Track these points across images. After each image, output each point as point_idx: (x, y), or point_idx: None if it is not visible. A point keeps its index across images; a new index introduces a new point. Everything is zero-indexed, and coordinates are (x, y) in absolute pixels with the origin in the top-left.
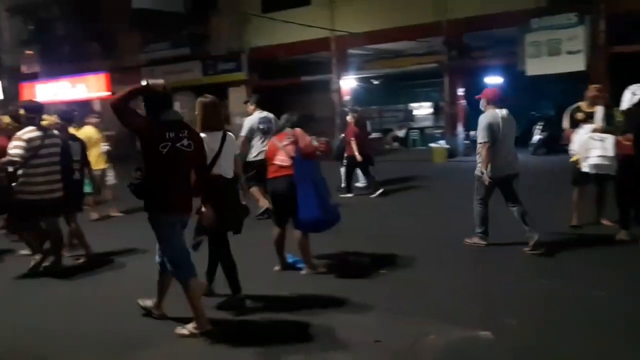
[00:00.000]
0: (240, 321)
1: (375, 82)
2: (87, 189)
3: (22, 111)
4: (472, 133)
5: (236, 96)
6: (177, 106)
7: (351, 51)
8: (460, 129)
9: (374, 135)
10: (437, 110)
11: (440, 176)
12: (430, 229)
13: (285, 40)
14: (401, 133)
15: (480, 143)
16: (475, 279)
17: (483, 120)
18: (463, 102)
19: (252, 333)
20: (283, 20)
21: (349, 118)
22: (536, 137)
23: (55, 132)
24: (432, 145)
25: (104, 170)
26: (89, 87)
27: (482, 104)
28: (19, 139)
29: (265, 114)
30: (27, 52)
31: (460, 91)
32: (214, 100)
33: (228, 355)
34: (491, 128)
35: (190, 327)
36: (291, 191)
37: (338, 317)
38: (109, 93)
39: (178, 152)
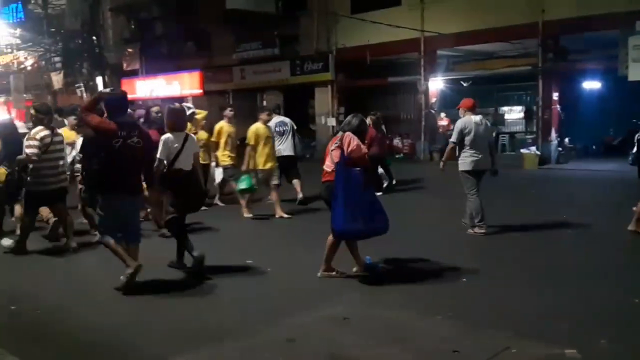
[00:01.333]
0: (330, 338)
1: (464, 84)
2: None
3: (32, 112)
4: (566, 140)
5: (322, 96)
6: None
7: (440, 52)
8: (553, 135)
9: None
10: (529, 115)
11: (529, 184)
12: (509, 237)
13: (373, 41)
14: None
15: (451, 142)
16: (559, 293)
17: (458, 124)
18: (557, 107)
19: (332, 339)
20: (372, 21)
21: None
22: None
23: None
24: (523, 151)
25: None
26: (183, 85)
27: (461, 112)
28: (33, 138)
29: (281, 118)
30: (128, 49)
31: (555, 96)
32: (179, 108)
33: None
34: (462, 132)
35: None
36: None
37: (414, 324)
38: (201, 91)
39: (128, 147)
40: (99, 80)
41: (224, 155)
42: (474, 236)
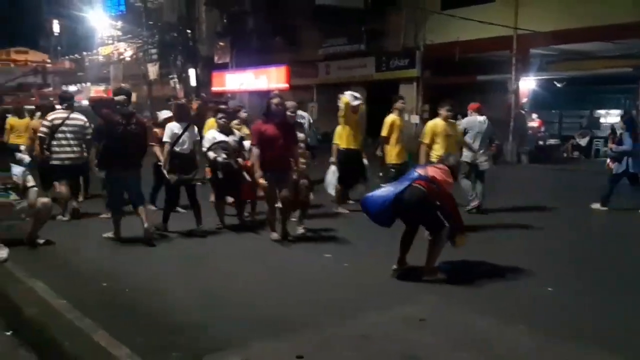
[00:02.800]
0: (404, 338)
1: (558, 85)
2: None
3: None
4: None
5: (406, 93)
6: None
7: (534, 51)
8: None
9: (551, 141)
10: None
11: (622, 191)
12: (598, 245)
13: (463, 38)
14: (583, 141)
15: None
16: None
17: (463, 122)
18: None
19: (406, 339)
20: (462, 17)
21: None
22: None
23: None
24: None
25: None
26: (270, 79)
27: (469, 112)
28: (45, 119)
29: (300, 112)
30: (220, 43)
31: None
32: (182, 103)
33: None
34: (465, 129)
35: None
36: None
37: (493, 330)
38: (287, 85)
39: (127, 133)
40: (192, 72)
41: (393, 153)
42: (561, 244)
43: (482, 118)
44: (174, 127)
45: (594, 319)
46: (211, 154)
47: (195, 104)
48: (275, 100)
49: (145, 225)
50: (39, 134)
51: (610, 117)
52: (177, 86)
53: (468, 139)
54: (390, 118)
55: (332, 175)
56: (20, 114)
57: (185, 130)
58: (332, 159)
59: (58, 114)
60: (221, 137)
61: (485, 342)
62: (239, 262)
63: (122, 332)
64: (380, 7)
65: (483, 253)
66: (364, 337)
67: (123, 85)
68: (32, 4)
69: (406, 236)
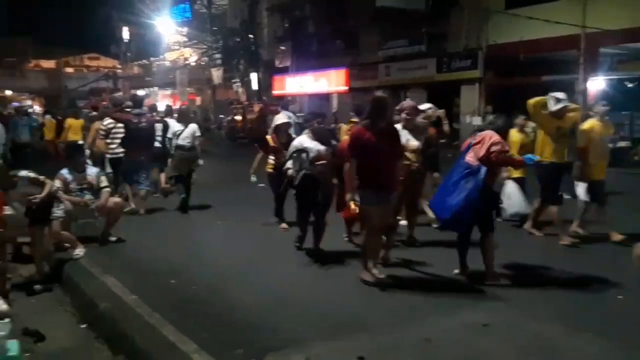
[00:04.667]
0: (468, 343)
1: (629, 85)
2: None
3: (104, 102)
4: None
5: (468, 94)
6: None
7: (603, 50)
8: None
9: (621, 144)
10: None
11: None
12: None
13: (527, 37)
14: None
15: None
16: None
17: None
18: None
19: (470, 344)
20: (527, 16)
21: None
22: None
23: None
24: None
25: None
26: (330, 82)
27: None
28: (102, 124)
29: (289, 113)
30: (281, 47)
31: None
32: (186, 108)
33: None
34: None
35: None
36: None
37: (560, 337)
38: (347, 88)
39: (138, 128)
40: (254, 76)
41: (594, 167)
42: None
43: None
44: (175, 126)
45: None
46: (288, 163)
47: (257, 107)
48: (379, 98)
49: (132, 205)
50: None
51: None
52: (240, 90)
53: None
54: (589, 124)
55: (514, 189)
56: (76, 116)
57: (185, 128)
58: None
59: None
60: (310, 144)
61: (552, 349)
62: (304, 266)
63: (189, 327)
64: (442, 8)
65: (547, 258)
66: (427, 341)
67: (136, 92)
68: (104, 13)
69: (465, 239)
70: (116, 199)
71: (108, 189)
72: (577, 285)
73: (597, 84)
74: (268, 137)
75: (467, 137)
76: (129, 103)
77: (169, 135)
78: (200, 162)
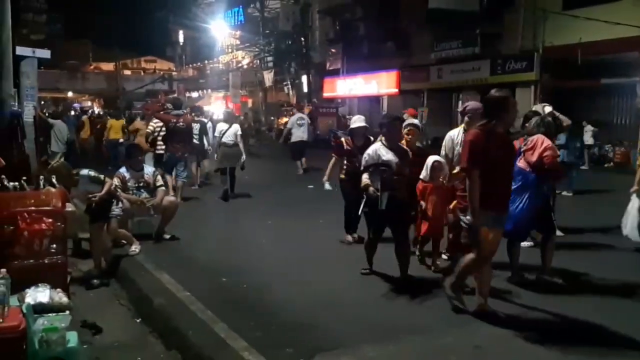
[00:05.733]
0: (519, 350)
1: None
2: None
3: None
4: None
5: (523, 97)
6: (460, 105)
7: None
8: None
9: None
10: None
11: None
12: None
13: (585, 39)
14: None
15: None
16: None
17: None
18: None
19: (520, 350)
20: (586, 17)
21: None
22: None
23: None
24: None
25: None
26: (380, 84)
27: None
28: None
29: (301, 114)
30: (332, 50)
31: None
32: (230, 110)
33: None
34: None
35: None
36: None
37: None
38: (397, 90)
39: (177, 128)
40: (304, 78)
41: None
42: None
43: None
44: (220, 126)
45: None
46: (365, 178)
47: (307, 109)
48: (503, 97)
49: (172, 197)
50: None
51: None
52: (290, 92)
53: None
54: None
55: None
56: (117, 117)
57: (228, 128)
58: (635, 187)
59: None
60: (388, 155)
61: None
62: (354, 269)
63: (240, 325)
64: (496, 9)
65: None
66: (476, 347)
67: (178, 96)
68: (161, 17)
69: (517, 246)
70: (171, 198)
71: (164, 188)
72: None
73: None
74: (342, 139)
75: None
76: (169, 105)
77: (216, 134)
78: (243, 157)
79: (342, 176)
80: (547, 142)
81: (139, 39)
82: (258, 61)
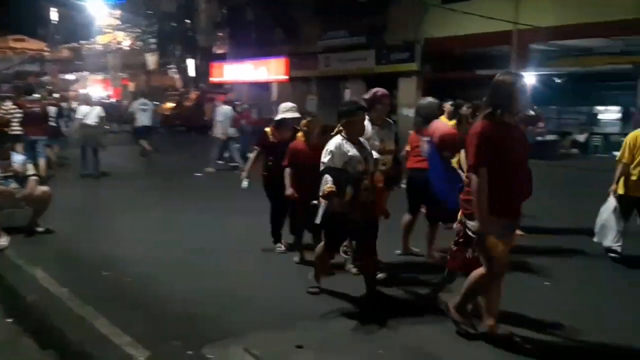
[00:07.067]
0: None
1: (557, 81)
2: None
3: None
4: None
5: (406, 87)
6: (347, 94)
7: (533, 46)
8: None
9: (549, 137)
10: (627, 116)
11: None
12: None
13: (462, 32)
14: (581, 138)
15: None
16: None
17: None
18: None
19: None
20: (463, 11)
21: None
22: None
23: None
24: (617, 153)
25: None
26: (269, 71)
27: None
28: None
29: (144, 100)
30: (219, 34)
31: None
32: (87, 94)
33: None
34: None
35: None
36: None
37: None
38: (286, 77)
39: (32, 112)
40: (190, 62)
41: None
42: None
43: None
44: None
45: None
46: (329, 182)
47: (193, 95)
48: (513, 80)
49: (45, 188)
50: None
51: (609, 113)
52: (176, 76)
53: None
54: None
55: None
56: None
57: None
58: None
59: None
60: (354, 150)
61: None
62: (248, 259)
63: (124, 320)
64: (382, 1)
65: None
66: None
67: (29, 83)
68: None
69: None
70: (44, 188)
71: (35, 178)
72: None
73: (527, 79)
74: (267, 129)
75: (405, 128)
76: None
77: (79, 116)
78: (106, 138)
79: (264, 173)
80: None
81: (6, 16)
82: (140, 43)
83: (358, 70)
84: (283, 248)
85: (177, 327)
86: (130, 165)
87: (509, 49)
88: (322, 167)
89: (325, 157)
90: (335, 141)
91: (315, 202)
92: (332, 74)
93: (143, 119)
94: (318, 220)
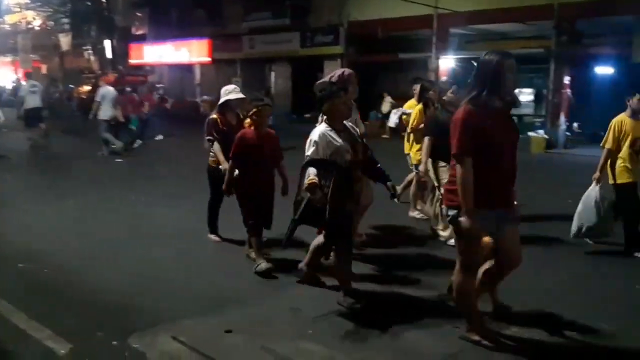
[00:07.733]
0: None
1: (475, 64)
2: None
3: None
4: (575, 124)
5: (331, 70)
6: (272, 76)
7: (453, 30)
8: (562, 119)
9: None
10: (539, 98)
11: (538, 167)
12: None
13: (385, 15)
14: None
15: None
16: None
17: None
18: (568, 91)
19: None
20: None
21: None
22: None
23: None
24: (531, 134)
25: None
26: (192, 52)
27: None
28: None
29: (34, 82)
30: (137, 14)
31: (567, 79)
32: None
33: None
34: None
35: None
36: None
37: None
38: (210, 59)
39: None
40: (107, 43)
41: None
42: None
43: None
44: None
45: None
46: (312, 175)
47: (111, 77)
48: (501, 61)
49: None
50: None
51: (523, 95)
52: (92, 58)
53: None
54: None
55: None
56: None
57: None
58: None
59: None
60: (339, 140)
61: None
62: (169, 243)
63: (43, 314)
64: None
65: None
66: (294, 310)
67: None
68: None
69: None
70: None
71: None
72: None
73: (447, 62)
74: (215, 116)
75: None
76: None
77: None
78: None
79: (212, 164)
80: None
81: None
82: (52, 23)
83: (283, 53)
84: (218, 239)
85: (101, 319)
86: (54, 151)
87: (430, 33)
88: (305, 160)
89: (308, 150)
90: (319, 130)
91: (299, 197)
92: (256, 56)
93: (32, 101)
94: (297, 216)
